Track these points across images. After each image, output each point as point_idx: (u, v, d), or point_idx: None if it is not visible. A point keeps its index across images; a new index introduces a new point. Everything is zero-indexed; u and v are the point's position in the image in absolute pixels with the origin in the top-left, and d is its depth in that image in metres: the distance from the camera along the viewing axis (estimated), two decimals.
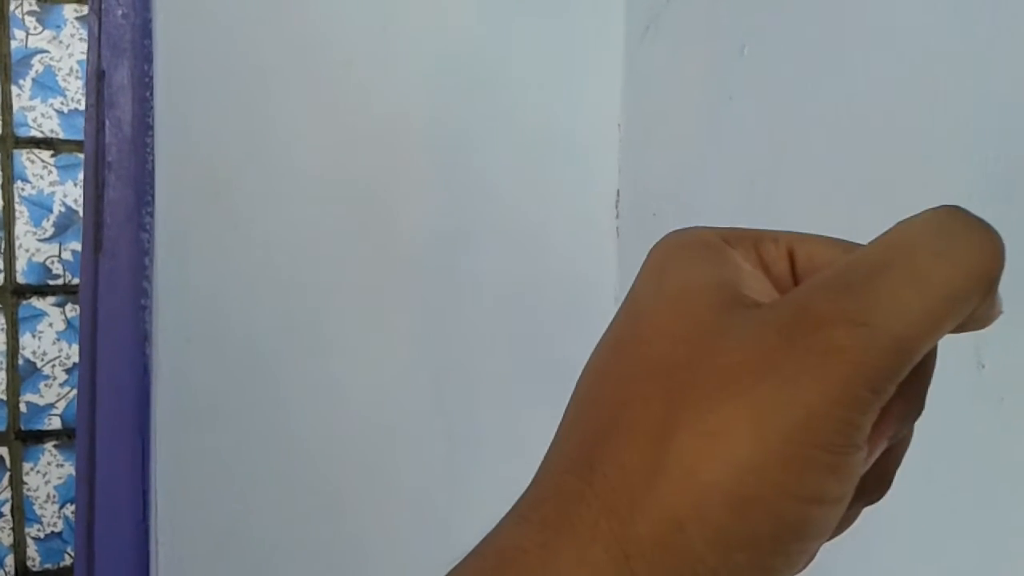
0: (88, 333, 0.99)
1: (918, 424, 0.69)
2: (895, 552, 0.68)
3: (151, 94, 0.93)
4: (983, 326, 0.29)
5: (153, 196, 0.93)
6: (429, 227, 1.04)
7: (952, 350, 0.61)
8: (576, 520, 0.24)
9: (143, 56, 0.93)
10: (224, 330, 0.95)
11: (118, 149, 0.94)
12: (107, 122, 0.95)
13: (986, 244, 0.26)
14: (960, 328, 0.27)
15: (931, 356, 0.28)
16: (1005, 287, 0.56)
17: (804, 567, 0.26)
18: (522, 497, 0.27)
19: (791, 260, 0.29)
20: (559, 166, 1.06)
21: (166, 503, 0.95)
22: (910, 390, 0.27)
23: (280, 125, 0.96)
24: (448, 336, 1.04)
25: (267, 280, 0.97)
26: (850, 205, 0.73)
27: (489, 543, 0.26)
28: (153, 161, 0.92)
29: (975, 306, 0.26)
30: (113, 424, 0.97)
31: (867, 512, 0.76)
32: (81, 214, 2.51)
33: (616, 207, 1.06)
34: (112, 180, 0.95)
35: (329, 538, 1.00)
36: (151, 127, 0.93)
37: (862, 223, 0.70)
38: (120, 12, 0.93)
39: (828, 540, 0.27)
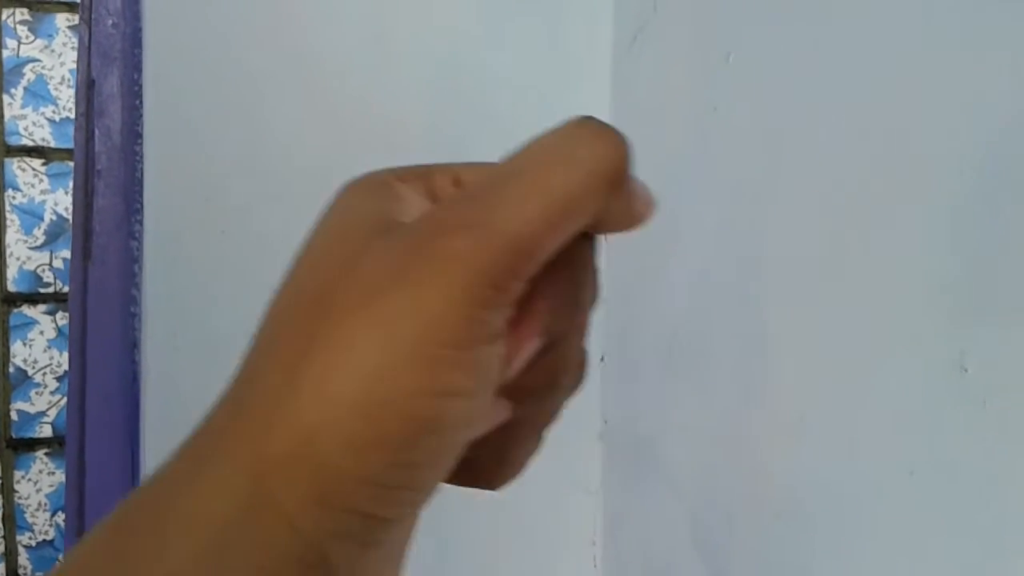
0: (78, 340, 0.99)
1: (902, 427, 0.70)
2: (879, 554, 0.69)
3: (140, 102, 0.93)
4: (631, 226, 0.30)
5: (142, 204, 0.93)
6: None
7: (936, 354, 0.62)
8: (216, 449, 0.25)
9: (133, 65, 0.94)
10: (213, 337, 0.94)
11: (108, 157, 0.95)
12: (97, 130, 0.95)
13: (603, 144, 0.27)
14: (605, 228, 0.29)
15: (581, 254, 0.29)
16: (988, 290, 0.56)
17: (453, 458, 0.27)
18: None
19: (458, 187, 0.30)
20: None
21: None
22: (558, 287, 0.28)
23: (271, 133, 0.96)
24: None
25: (256, 287, 0.96)
26: (837, 211, 0.73)
27: (153, 475, 0.27)
28: (142, 169, 0.92)
29: (600, 204, 0.27)
30: (103, 431, 0.97)
31: (852, 513, 0.76)
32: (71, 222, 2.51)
33: None
34: (101, 188, 0.95)
35: None
36: (140, 135, 0.93)
37: (849, 230, 0.71)
38: (110, 22, 0.94)
39: (481, 432, 0.28)
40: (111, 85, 0.94)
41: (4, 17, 2.43)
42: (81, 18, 0.94)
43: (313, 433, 0.24)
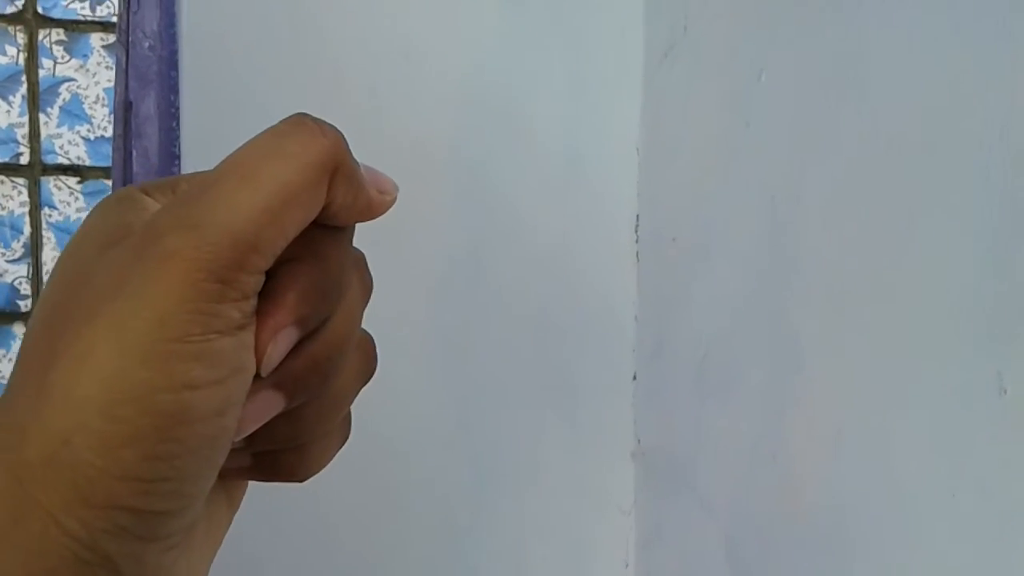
0: None
1: (941, 452, 0.69)
2: (912, 574, 0.68)
3: (177, 124, 0.95)
4: (370, 214, 0.34)
5: None
6: (449, 252, 1.04)
7: (974, 374, 0.61)
8: None
9: (169, 87, 0.95)
10: None
11: (145, 178, 0.96)
12: (134, 152, 0.96)
13: (313, 136, 0.30)
14: (342, 218, 0.32)
15: (318, 245, 0.31)
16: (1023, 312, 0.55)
17: (216, 447, 0.28)
18: None
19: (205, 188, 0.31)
20: (579, 191, 1.07)
21: None
22: (298, 278, 0.30)
23: None
24: (467, 360, 1.05)
25: None
26: (870, 227, 0.73)
27: None
28: None
29: (320, 195, 0.30)
30: None
31: (890, 534, 0.75)
32: None
33: (636, 231, 1.07)
34: None
35: (343, 565, 1.00)
36: (178, 156, 0.94)
37: (884, 246, 0.71)
38: (147, 44, 0.95)
39: (250, 423, 0.30)
40: (148, 107, 0.96)
41: (40, 37, 2.47)
42: (118, 40, 0.96)
43: (66, 437, 0.26)
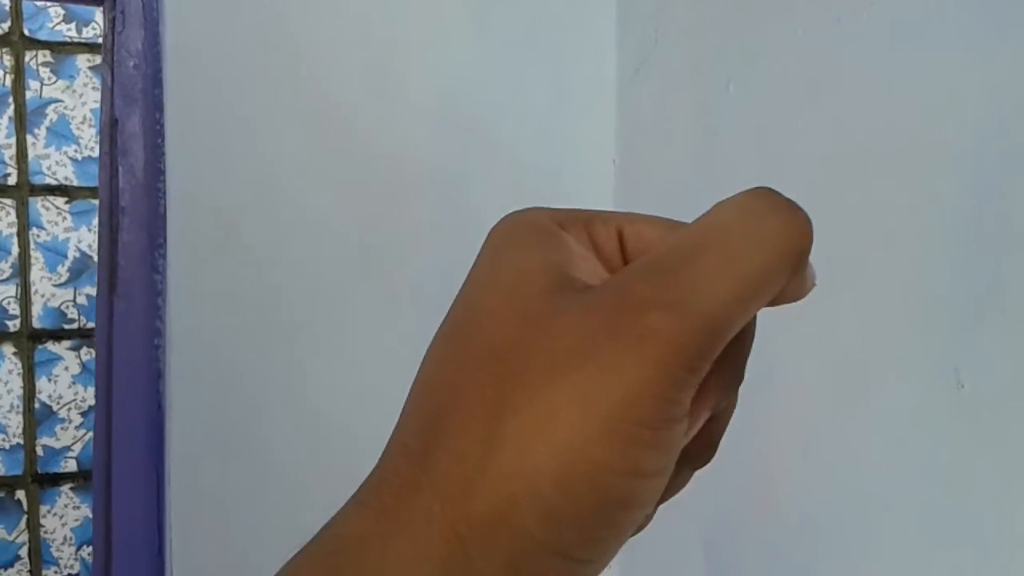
0: (104, 373, 1.02)
1: (902, 448, 0.71)
2: (879, 568, 0.70)
3: (162, 141, 0.97)
4: (797, 299, 0.30)
5: (165, 239, 0.96)
6: (429, 266, 1.06)
7: (932, 371, 0.63)
8: (412, 506, 0.25)
9: (154, 105, 0.97)
10: (236, 367, 0.97)
11: (131, 194, 0.98)
12: (120, 168, 0.98)
13: (793, 224, 0.27)
14: (774, 302, 0.28)
15: (748, 329, 0.29)
16: (981, 306, 0.59)
17: (636, 532, 0.27)
18: (364, 483, 0.28)
19: (621, 239, 0.30)
20: (557, 202, 1.09)
21: (181, 540, 0.98)
22: (729, 363, 0.28)
23: (285, 169, 0.99)
24: None
25: (274, 318, 1.00)
26: (832, 231, 0.75)
27: (329, 528, 0.27)
28: (165, 205, 0.96)
29: (785, 283, 0.27)
30: (128, 462, 0.99)
31: (858, 530, 0.78)
32: (96, 258, 2.55)
33: None
34: (126, 224, 0.98)
35: None
36: (163, 172, 0.97)
37: (845, 249, 0.73)
38: (132, 63, 0.97)
39: (659, 504, 0.29)
40: (134, 124, 0.98)
41: (27, 59, 2.49)
42: (104, 60, 0.98)
43: (514, 501, 0.24)
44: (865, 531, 0.71)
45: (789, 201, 0.28)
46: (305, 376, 1.01)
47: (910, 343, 0.67)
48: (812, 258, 0.28)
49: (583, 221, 0.30)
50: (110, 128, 0.99)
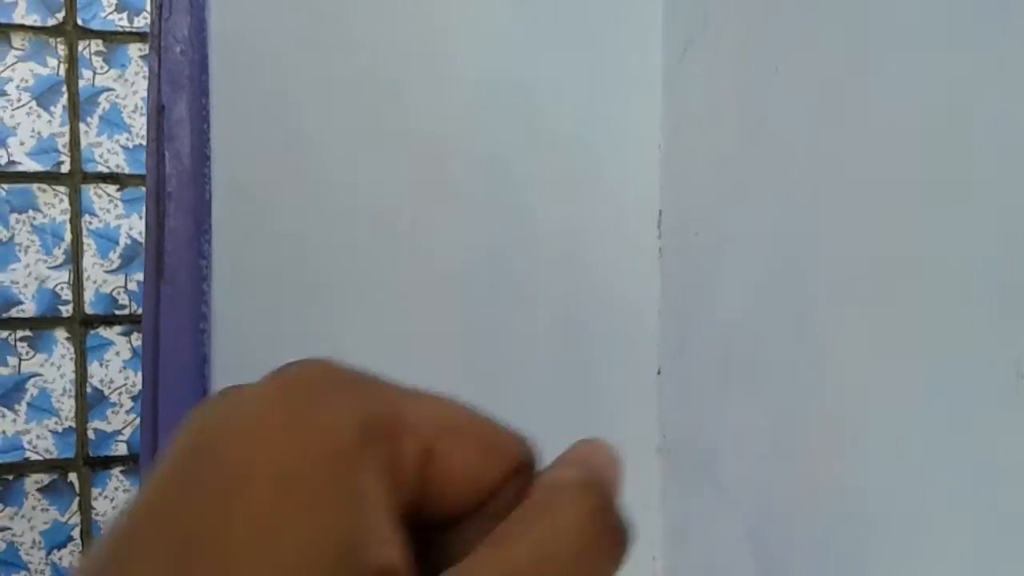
0: (150, 358, 1.03)
1: (959, 439, 0.69)
2: (939, 560, 0.68)
3: (208, 126, 0.97)
4: None
5: (211, 224, 0.97)
6: (473, 250, 1.06)
7: (991, 361, 0.61)
8: None
9: (200, 91, 0.98)
10: (281, 352, 0.98)
11: (178, 180, 0.99)
12: (167, 154, 0.99)
13: (623, 553, 0.26)
14: None
15: None
16: None
17: None
18: None
19: (429, 457, 0.25)
20: (601, 187, 1.08)
21: None
22: None
23: (331, 152, 0.99)
24: (490, 358, 1.06)
25: (318, 302, 1.00)
26: (887, 215, 0.73)
27: None
28: (210, 191, 0.96)
29: None
30: None
31: (911, 520, 0.75)
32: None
33: (658, 227, 1.08)
34: (172, 209, 0.99)
35: None
36: (208, 158, 0.97)
37: (901, 234, 0.71)
38: (178, 49, 0.98)
39: None
40: (180, 110, 0.98)
41: (80, 48, 2.53)
42: (151, 47, 0.99)
43: None
44: (920, 521, 0.69)
45: (623, 522, 0.26)
46: (347, 359, 1.01)
47: (969, 332, 0.65)
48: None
49: (388, 436, 0.24)
50: (157, 114, 1.00)
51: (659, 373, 1.09)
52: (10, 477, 2.50)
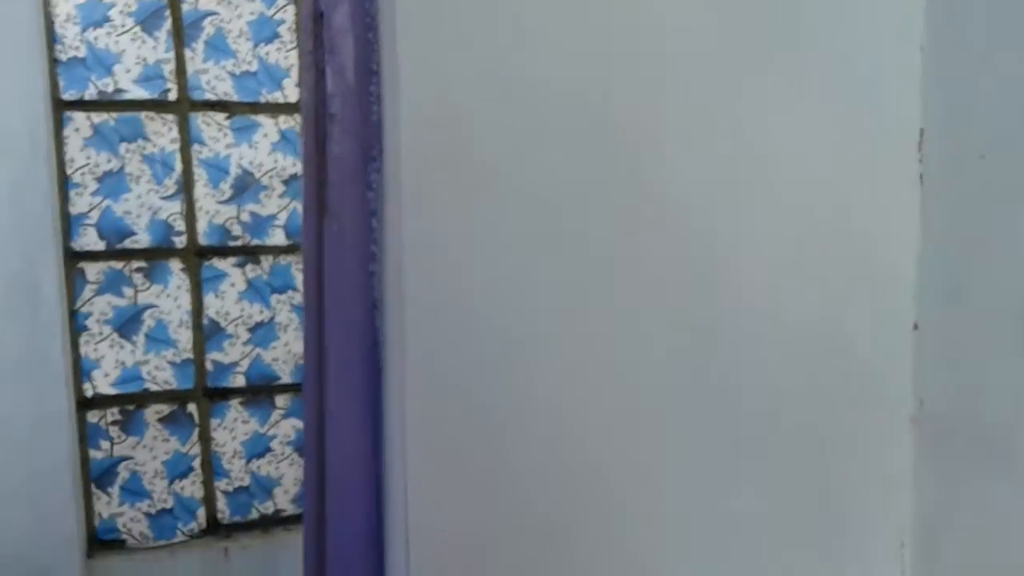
0: (314, 302, 0.92)
1: None
2: None
3: (375, 36, 0.83)
4: None
5: (381, 151, 0.84)
6: (697, 199, 0.89)
7: None
8: None
9: None
10: (468, 299, 0.84)
11: (342, 100, 0.86)
12: (328, 70, 0.86)
13: None
14: None
15: None
16: None
17: None
18: None
19: None
20: (848, 100, 0.89)
21: (414, 499, 0.85)
22: None
23: (529, 61, 0.82)
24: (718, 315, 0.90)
25: (507, 241, 0.84)
26: None
27: None
28: (379, 112, 0.82)
29: None
30: (343, 398, 0.90)
31: None
32: (259, 176, 2.52)
33: (919, 148, 0.89)
34: (336, 134, 0.86)
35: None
36: (376, 73, 0.83)
37: None
38: None
39: None
40: (341, 17, 0.85)
41: None
42: None
43: None
44: None
45: None
46: (541, 313, 0.86)
47: None
48: None
49: None
50: (313, 23, 0.87)
51: (915, 328, 0.91)
52: (131, 407, 2.50)
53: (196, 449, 2.60)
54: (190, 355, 2.55)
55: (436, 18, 0.79)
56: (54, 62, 2.42)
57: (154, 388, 2.54)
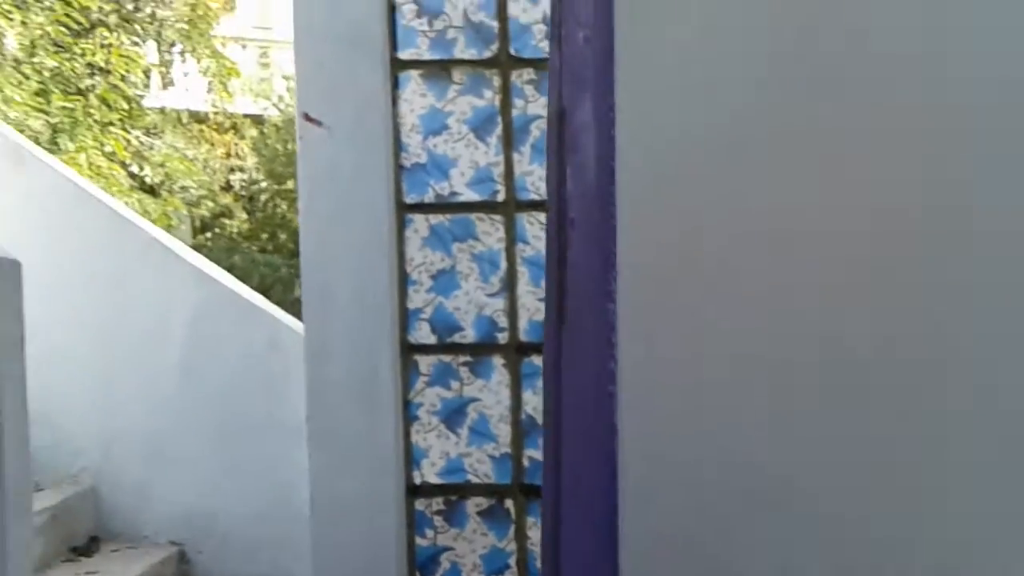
0: (552, 416, 0.84)
1: None
2: None
3: (614, 132, 0.75)
4: None
5: (616, 256, 0.74)
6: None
7: None
8: None
9: (607, 88, 0.76)
10: (698, 424, 0.71)
11: (581, 203, 0.78)
12: (568, 170, 0.79)
13: None
14: None
15: None
16: None
17: None
18: None
19: None
20: None
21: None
22: None
23: (768, 162, 0.68)
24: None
25: (760, 364, 0.70)
26: None
27: None
28: (615, 214, 0.73)
29: None
30: (577, 511, 0.80)
31: None
32: None
33: None
34: (575, 240, 0.79)
35: None
36: (614, 171, 0.75)
37: None
38: (581, 36, 0.78)
39: None
40: (584, 113, 0.78)
41: (512, 77, 2.54)
42: (550, 37, 0.79)
43: None
44: None
45: None
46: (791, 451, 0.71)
47: None
48: None
49: None
50: (557, 122, 0.81)
51: None
52: (454, 498, 2.56)
53: (512, 546, 2.60)
54: (508, 449, 2.58)
55: (671, 114, 0.69)
56: (399, 168, 2.62)
57: (475, 480, 2.59)
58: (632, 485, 0.75)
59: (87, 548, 2.83)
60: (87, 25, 6.19)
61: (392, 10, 2.55)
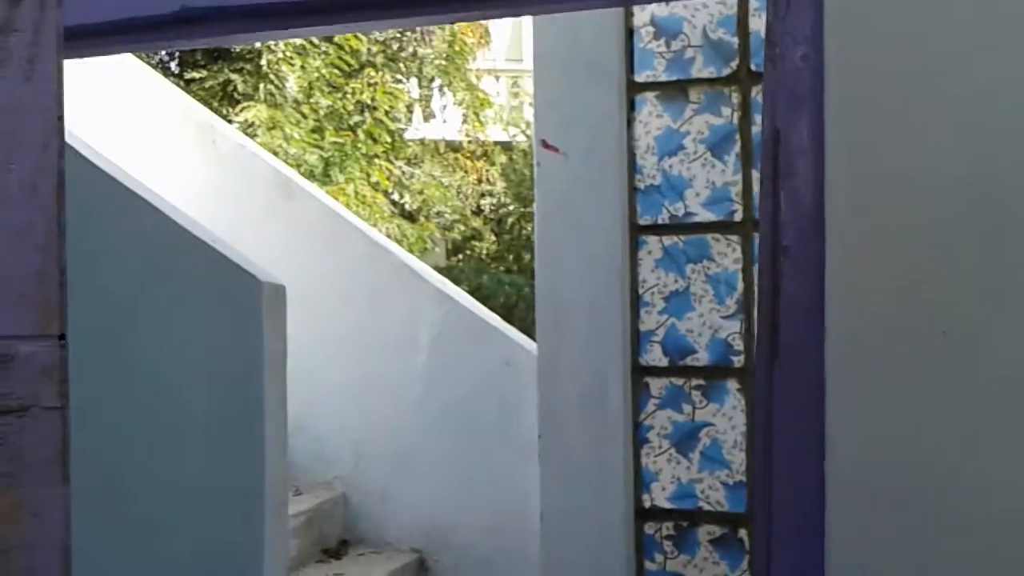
0: (762, 454, 0.80)
1: None
2: None
3: (824, 155, 0.71)
4: None
5: (824, 287, 0.70)
6: None
7: None
8: None
9: (819, 108, 0.72)
10: (920, 472, 0.65)
11: (794, 229, 0.74)
12: (782, 194, 0.75)
13: None
14: None
15: None
16: None
17: None
18: None
19: None
20: None
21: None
22: None
23: (998, 200, 0.62)
24: None
25: (987, 411, 0.63)
26: None
27: None
28: (825, 242, 0.69)
29: None
30: (787, 543, 0.76)
31: None
32: None
33: None
34: (787, 270, 0.75)
35: None
36: (823, 196, 0.70)
37: None
38: (799, 54, 0.74)
39: None
40: (799, 135, 0.74)
41: (753, 94, 2.46)
42: (766, 56, 0.76)
43: None
44: None
45: None
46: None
47: None
48: None
49: None
50: (772, 143, 0.77)
51: None
52: (684, 524, 2.51)
53: None
54: (743, 478, 2.50)
55: (876, 138, 0.64)
56: (634, 190, 2.61)
57: (706, 507, 2.52)
58: (841, 531, 0.70)
59: (337, 551, 3.03)
60: (357, 66, 6.71)
61: (630, 34, 2.56)
